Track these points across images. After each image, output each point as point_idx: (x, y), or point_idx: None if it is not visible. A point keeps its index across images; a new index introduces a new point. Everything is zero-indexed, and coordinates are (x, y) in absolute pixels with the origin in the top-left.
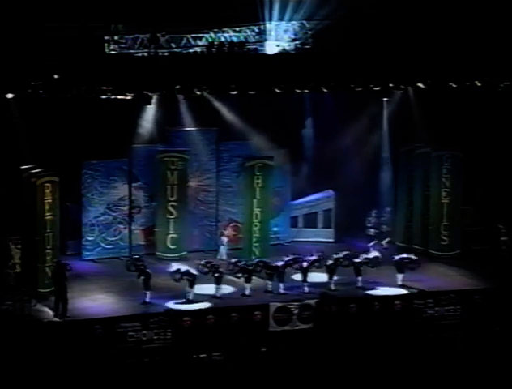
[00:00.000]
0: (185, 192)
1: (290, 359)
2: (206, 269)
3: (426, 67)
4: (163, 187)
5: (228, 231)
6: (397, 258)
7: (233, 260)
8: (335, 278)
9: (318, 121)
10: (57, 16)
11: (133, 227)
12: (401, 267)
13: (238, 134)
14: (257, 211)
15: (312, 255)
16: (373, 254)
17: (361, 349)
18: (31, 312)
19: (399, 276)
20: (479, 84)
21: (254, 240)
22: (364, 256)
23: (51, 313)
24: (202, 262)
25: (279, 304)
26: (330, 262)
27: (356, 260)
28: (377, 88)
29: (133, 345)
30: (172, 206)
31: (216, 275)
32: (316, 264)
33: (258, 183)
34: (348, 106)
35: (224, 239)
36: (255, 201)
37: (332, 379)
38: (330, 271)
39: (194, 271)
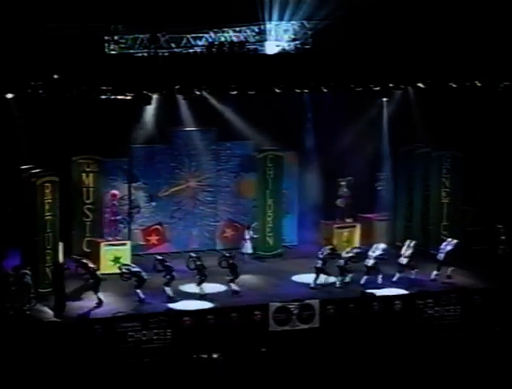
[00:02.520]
0: (100, 195)
1: (290, 359)
2: (160, 267)
3: (426, 67)
4: (79, 190)
5: (229, 231)
6: (442, 256)
7: (193, 255)
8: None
9: (319, 122)
10: (57, 16)
11: (132, 227)
12: (449, 260)
13: (238, 134)
14: (270, 201)
15: (348, 253)
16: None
17: (361, 349)
18: (31, 312)
19: (449, 269)
20: (479, 84)
21: (268, 230)
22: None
23: (51, 313)
24: (159, 259)
25: (278, 304)
26: (341, 262)
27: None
28: (377, 88)
29: (133, 345)
30: (88, 208)
31: (168, 277)
32: (353, 260)
33: (269, 174)
34: (348, 106)
35: (251, 233)
36: (268, 192)
37: (332, 379)
38: (342, 270)
39: (144, 274)
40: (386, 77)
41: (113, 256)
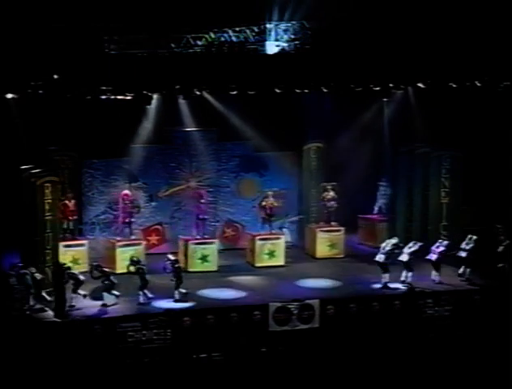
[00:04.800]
0: (76, 192)
1: (290, 359)
2: (98, 274)
3: (426, 67)
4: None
5: (229, 231)
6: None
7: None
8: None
9: (319, 122)
10: (58, 16)
11: (132, 227)
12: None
13: (238, 134)
14: (313, 192)
15: (411, 247)
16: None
17: (361, 349)
18: (31, 312)
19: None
20: (479, 84)
21: (312, 219)
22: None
23: (51, 313)
24: (94, 265)
25: (278, 304)
26: (405, 257)
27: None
28: (377, 88)
29: (133, 345)
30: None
31: (107, 282)
32: (417, 254)
33: (313, 165)
34: (348, 106)
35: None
36: (312, 183)
37: (332, 379)
38: (406, 265)
39: (81, 277)
40: (386, 77)
41: (201, 254)
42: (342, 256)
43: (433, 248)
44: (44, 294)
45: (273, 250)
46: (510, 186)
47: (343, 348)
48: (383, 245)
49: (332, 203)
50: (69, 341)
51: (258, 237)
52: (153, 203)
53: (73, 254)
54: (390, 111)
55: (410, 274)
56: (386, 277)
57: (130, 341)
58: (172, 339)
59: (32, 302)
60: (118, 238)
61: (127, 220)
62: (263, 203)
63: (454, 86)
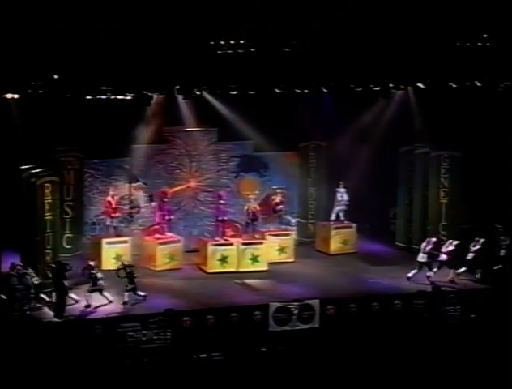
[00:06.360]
0: (81, 192)
1: (290, 359)
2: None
3: (426, 67)
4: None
5: (228, 231)
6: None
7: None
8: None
9: (320, 122)
10: (58, 16)
11: (132, 227)
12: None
13: (238, 134)
14: (312, 190)
15: (448, 246)
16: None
17: (361, 349)
18: (31, 312)
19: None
20: (479, 84)
21: (310, 217)
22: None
23: (51, 313)
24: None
25: (278, 304)
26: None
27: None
28: (377, 88)
29: (132, 345)
30: (68, 205)
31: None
32: (454, 254)
33: (312, 163)
34: (348, 106)
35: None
36: (309, 180)
37: (332, 379)
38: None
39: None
40: (386, 77)
41: (221, 256)
42: (292, 260)
43: (443, 248)
44: (43, 295)
45: (256, 255)
46: (510, 186)
47: (343, 349)
48: (423, 244)
49: (280, 206)
50: (69, 341)
51: (241, 242)
52: (153, 204)
53: (116, 251)
54: (390, 111)
55: (452, 271)
56: (430, 274)
57: (129, 341)
58: (172, 339)
59: (32, 302)
60: (157, 236)
61: (167, 218)
62: (245, 208)
63: (454, 86)
